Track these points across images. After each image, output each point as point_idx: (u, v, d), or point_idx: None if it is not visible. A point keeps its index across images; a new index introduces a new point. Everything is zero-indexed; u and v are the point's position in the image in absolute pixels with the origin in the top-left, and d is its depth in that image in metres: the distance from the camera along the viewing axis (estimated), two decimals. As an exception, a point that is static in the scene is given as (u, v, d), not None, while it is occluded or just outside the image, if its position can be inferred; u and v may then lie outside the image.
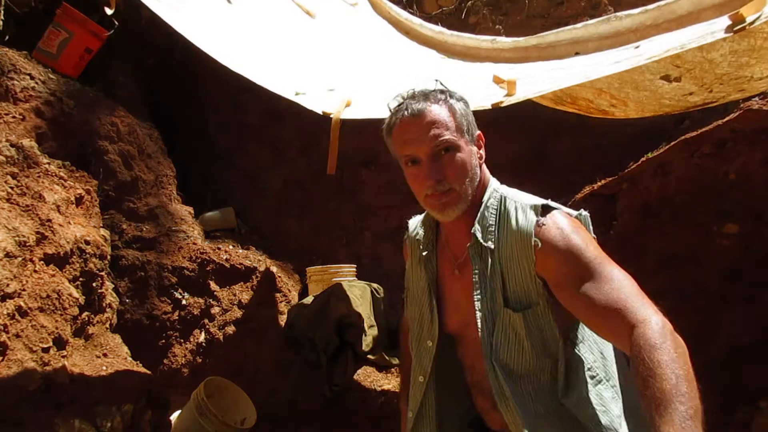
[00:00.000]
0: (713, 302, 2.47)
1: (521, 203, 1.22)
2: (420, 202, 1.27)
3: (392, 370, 3.49)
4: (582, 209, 1.25)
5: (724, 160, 2.52)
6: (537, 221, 1.17)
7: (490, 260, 1.22)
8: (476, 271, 1.23)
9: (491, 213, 1.23)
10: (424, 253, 1.36)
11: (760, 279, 2.39)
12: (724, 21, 1.18)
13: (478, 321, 1.21)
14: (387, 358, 3.53)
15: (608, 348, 1.29)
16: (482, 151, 1.28)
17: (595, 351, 1.26)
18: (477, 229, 1.23)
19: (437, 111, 1.21)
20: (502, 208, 1.23)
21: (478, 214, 1.23)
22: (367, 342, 3.49)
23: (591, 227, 1.26)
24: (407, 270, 1.49)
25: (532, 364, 1.20)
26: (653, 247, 2.65)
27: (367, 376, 3.36)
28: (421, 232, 1.41)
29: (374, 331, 3.56)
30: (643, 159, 2.93)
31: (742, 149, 2.47)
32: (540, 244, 1.15)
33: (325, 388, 3.24)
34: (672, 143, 2.84)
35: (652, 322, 0.99)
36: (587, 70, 1.57)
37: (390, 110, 1.27)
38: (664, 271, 2.61)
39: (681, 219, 2.59)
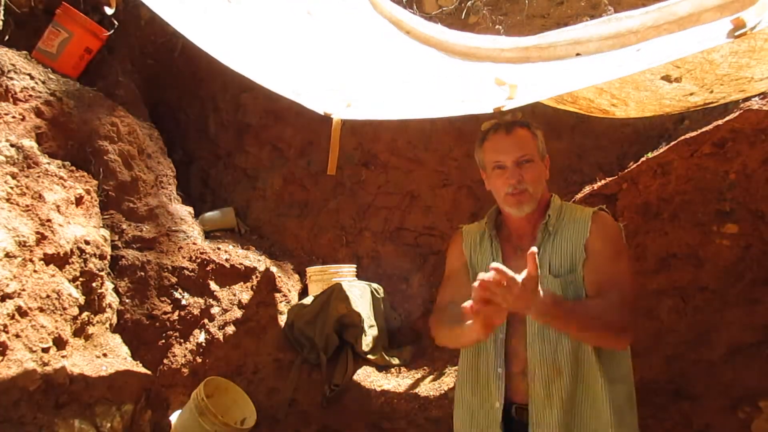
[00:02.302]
0: (713, 302, 2.47)
1: (579, 206, 1.67)
2: (499, 200, 1.66)
3: (392, 370, 3.49)
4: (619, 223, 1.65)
5: (724, 160, 2.52)
6: (595, 210, 1.59)
7: (547, 241, 1.58)
8: (537, 245, 1.53)
9: (556, 210, 1.63)
10: (490, 241, 1.71)
11: (760, 279, 2.39)
12: (726, 25, 1.18)
13: None
14: (387, 358, 3.53)
15: None
16: (547, 171, 1.66)
17: None
18: (548, 216, 1.60)
19: (524, 133, 1.62)
20: (563, 208, 1.65)
21: (549, 209, 1.62)
22: (366, 342, 3.50)
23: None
24: (454, 255, 1.85)
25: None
26: (653, 247, 2.65)
27: (367, 376, 3.36)
28: (480, 228, 1.77)
29: (374, 331, 3.57)
30: (643, 159, 2.93)
31: (742, 149, 2.47)
32: (593, 224, 1.55)
33: (325, 388, 3.24)
34: (672, 143, 2.85)
35: (626, 319, 1.43)
36: (589, 74, 1.57)
37: (482, 130, 1.69)
38: (664, 271, 2.62)
39: (681, 219, 2.59)
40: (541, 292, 1.32)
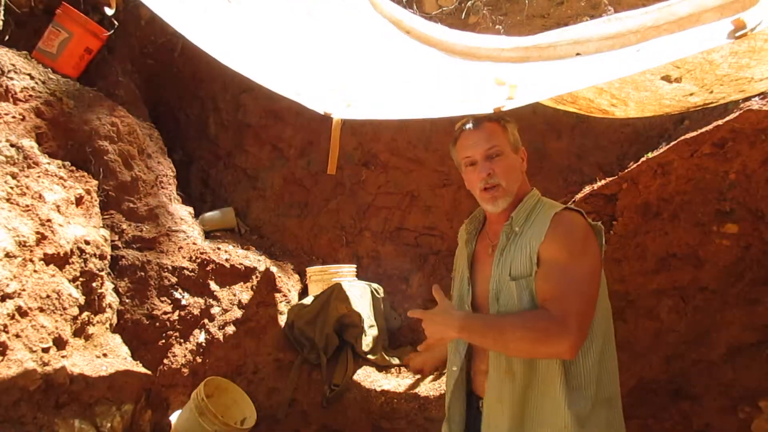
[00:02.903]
0: (713, 302, 2.47)
1: (552, 203, 1.57)
2: (476, 198, 1.63)
3: (392, 370, 3.50)
4: (599, 221, 1.54)
5: (724, 160, 2.52)
6: (558, 210, 1.50)
7: (513, 241, 1.54)
8: (499, 246, 1.56)
9: (526, 208, 1.57)
10: (466, 238, 1.73)
11: (760, 279, 2.39)
12: (727, 26, 1.18)
13: (491, 284, 1.54)
14: (387, 358, 3.53)
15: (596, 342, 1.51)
16: (524, 164, 1.64)
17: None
18: (513, 215, 1.56)
19: (492, 126, 1.60)
20: (538, 206, 1.57)
21: (517, 207, 1.57)
22: (366, 342, 3.50)
23: (603, 239, 1.53)
24: (456, 253, 1.84)
25: None
26: (653, 247, 2.65)
27: (367, 376, 3.36)
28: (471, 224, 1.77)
29: (374, 331, 3.57)
30: (643, 159, 2.93)
31: (742, 149, 2.47)
32: (550, 227, 1.47)
33: (325, 388, 3.24)
34: (672, 143, 2.84)
35: (561, 325, 1.35)
36: (589, 74, 1.57)
37: (455, 129, 1.67)
38: (664, 271, 2.62)
39: (681, 219, 2.59)
40: (456, 315, 1.46)
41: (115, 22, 3.62)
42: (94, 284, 2.81)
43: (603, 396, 1.47)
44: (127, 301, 3.12)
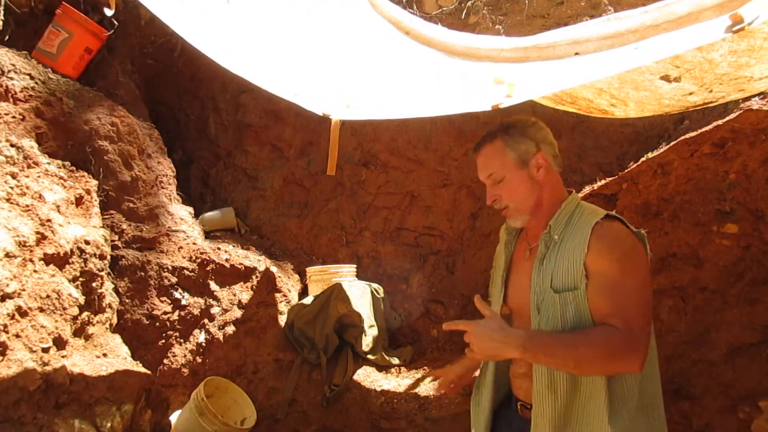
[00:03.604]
0: (713, 302, 2.47)
1: (593, 210, 1.49)
2: None
3: (392, 370, 3.50)
4: (641, 229, 1.45)
5: (724, 160, 2.52)
6: (598, 219, 1.42)
7: (552, 249, 1.48)
8: (539, 255, 1.50)
9: (565, 214, 1.50)
10: (507, 239, 1.69)
11: (760, 279, 2.39)
12: (724, 21, 1.18)
13: (531, 294, 1.49)
14: (387, 358, 3.53)
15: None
16: (541, 170, 1.53)
17: None
18: (551, 224, 1.50)
19: (489, 149, 1.56)
20: (577, 212, 1.50)
21: (556, 214, 1.51)
22: (366, 342, 3.50)
23: (647, 246, 1.46)
24: (497, 250, 1.78)
25: None
26: (653, 247, 2.64)
27: (367, 376, 3.36)
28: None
29: (374, 331, 3.57)
30: (643, 159, 2.93)
31: (742, 149, 2.47)
32: (592, 238, 1.40)
33: (325, 388, 3.24)
34: (672, 143, 2.85)
35: (632, 340, 1.32)
36: (587, 71, 1.57)
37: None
38: (664, 271, 2.61)
39: (681, 219, 2.59)
40: (514, 333, 1.35)
41: (115, 22, 3.62)
42: (94, 284, 2.81)
43: (644, 403, 1.44)
44: (127, 301, 3.12)
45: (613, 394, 1.40)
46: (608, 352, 1.33)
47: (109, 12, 2.40)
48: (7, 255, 2.33)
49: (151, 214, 3.40)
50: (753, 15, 1.15)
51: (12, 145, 2.69)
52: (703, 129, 2.68)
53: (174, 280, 3.28)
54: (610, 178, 3.04)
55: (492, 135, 1.56)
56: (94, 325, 2.81)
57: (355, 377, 3.33)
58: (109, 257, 3.04)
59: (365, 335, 3.51)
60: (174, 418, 2.91)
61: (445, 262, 3.93)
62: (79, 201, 2.93)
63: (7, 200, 2.50)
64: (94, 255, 2.85)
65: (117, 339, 2.94)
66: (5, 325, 2.21)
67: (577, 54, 1.72)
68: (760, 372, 2.30)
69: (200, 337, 3.27)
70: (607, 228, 1.41)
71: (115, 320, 3.02)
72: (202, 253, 3.42)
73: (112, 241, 3.13)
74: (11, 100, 2.88)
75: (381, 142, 4.13)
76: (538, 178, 1.53)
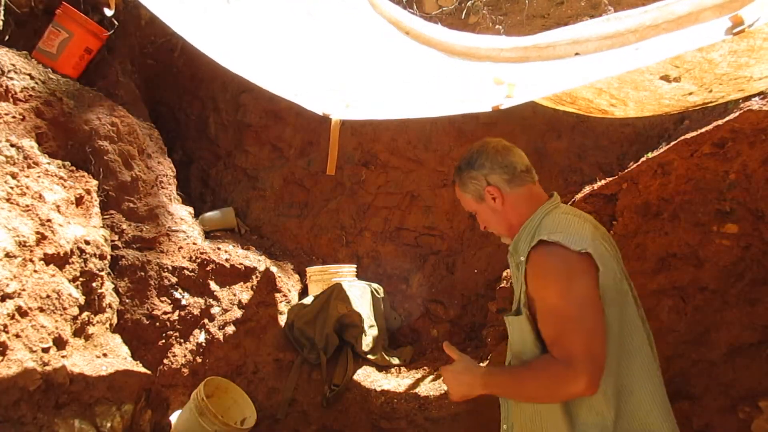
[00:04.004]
0: (713, 302, 2.47)
1: (538, 230, 1.49)
2: None
3: (392, 370, 3.50)
4: (587, 247, 1.40)
5: (724, 160, 2.51)
6: (534, 245, 1.44)
7: (519, 270, 1.52)
8: (512, 279, 1.60)
9: (527, 234, 1.53)
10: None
11: (760, 279, 2.39)
12: (725, 23, 1.18)
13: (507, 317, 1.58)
14: (387, 358, 3.53)
15: None
16: (497, 199, 1.60)
17: None
18: (511, 248, 1.59)
19: (457, 192, 1.74)
20: (537, 232, 1.49)
21: (517, 235, 1.58)
22: (366, 342, 3.50)
23: (598, 261, 1.41)
24: None
25: (515, 363, 1.55)
26: (653, 247, 2.65)
27: (367, 376, 3.36)
28: None
29: (374, 331, 3.57)
30: (643, 159, 2.93)
31: (742, 149, 2.47)
32: (528, 266, 1.45)
33: (325, 388, 3.24)
34: (672, 143, 2.84)
35: (569, 367, 1.32)
36: (588, 72, 1.57)
37: None
38: (664, 271, 2.61)
39: (681, 219, 2.59)
40: (477, 372, 1.48)
41: (115, 22, 3.63)
42: (94, 284, 2.81)
43: (633, 426, 1.41)
44: (127, 301, 3.12)
45: (571, 411, 1.42)
46: (550, 383, 1.36)
47: (109, 12, 2.40)
48: (7, 255, 2.33)
49: (151, 214, 3.40)
50: (754, 17, 1.15)
51: (12, 145, 2.69)
52: (703, 129, 2.68)
53: (174, 280, 3.28)
54: (610, 178, 3.03)
55: (453, 180, 1.73)
56: (94, 325, 2.81)
57: (355, 377, 3.33)
58: (109, 257, 3.04)
59: (365, 335, 3.51)
60: (174, 418, 2.91)
61: (445, 262, 3.93)
62: (79, 201, 2.93)
63: (7, 200, 2.50)
64: (94, 255, 2.85)
65: (117, 339, 2.94)
66: (5, 325, 2.21)
67: (577, 54, 1.72)
68: (760, 372, 2.29)
69: (200, 337, 3.27)
70: (539, 253, 1.42)
71: (115, 320, 3.02)
72: (202, 253, 3.42)
73: (112, 241, 3.13)
74: (11, 100, 2.88)
75: (381, 142, 4.13)
76: (497, 207, 1.60)
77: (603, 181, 3.07)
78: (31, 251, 2.45)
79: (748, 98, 2.56)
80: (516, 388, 1.46)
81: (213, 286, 3.40)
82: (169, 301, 3.25)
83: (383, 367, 3.49)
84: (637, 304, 1.51)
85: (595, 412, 1.39)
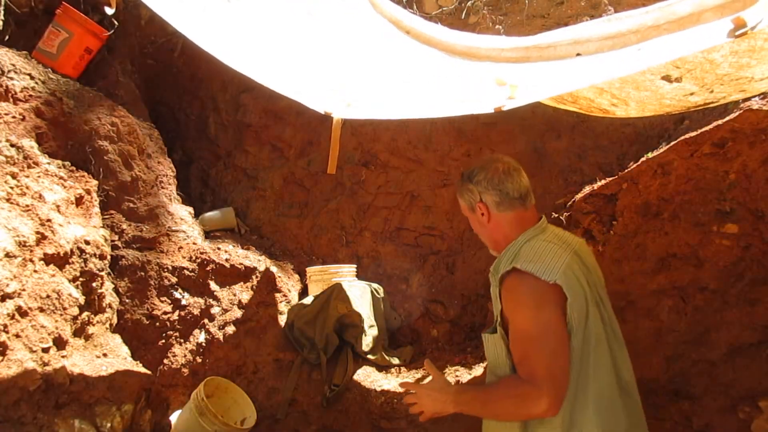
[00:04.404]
0: (713, 302, 2.47)
1: (517, 256, 1.60)
2: None
3: (392, 370, 3.49)
4: (557, 278, 1.52)
5: (724, 160, 2.52)
6: (504, 272, 1.58)
7: (497, 290, 1.63)
8: (492, 295, 1.68)
9: (509, 257, 1.63)
10: None
11: (760, 279, 2.39)
12: (727, 24, 1.18)
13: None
14: (387, 358, 3.53)
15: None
16: (484, 215, 1.72)
17: None
18: (492, 268, 1.68)
19: (457, 194, 1.86)
20: (516, 257, 1.60)
21: (500, 256, 1.69)
22: (367, 342, 3.50)
23: (569, 287, 1.52)
24: None
25: (490, 379, 1.68)
26: (653, 247, 2.65)
27: (367, 376, 3.36)
28: None
29: (374, 331, 3.57)
30: (643, 159, 2.93)
31: (742, 149, 2.47)
32: (502, 290, 1.59)
33: (325, 388, 3.24)
34: (672, 143, 2.85)
35: (532, 387, 1.43)
36: (590, 74, 1.57)
37: None
38: (664, 271, 2.61)
39: (681, 219, 2.59)
40: (450, 391, 1.59)
41: (115, 22, 3.63)
42: (94, 284, 2.81)
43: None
44: (127, 301, 3.12)
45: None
46: (515, 402, 1.48)
47: (109, 11, 2.40)
48: (7, 255, 2.33)
49: (151, 214, 3.40)
50: (756, 19, 1.15)
51: (12, 145, 2.69)
52: (703, 129, 2.68)
53: (174, 280, 3.28)
54: (610, 178, 3.03)
55: (457, 184, 1.83)
56: (94, 325, 2.81)
57: (355, 377, 3.33)
58: (109, 257, 3.03)
59: (365, 335, 3.51)
60: (174, 418, 2.91)
61: (445, 262, 3.93)
62: (79, 201, 2.93)
63: (7, 200, 2.50)
64: (94, 255, 2.85)
65: (117, 339, 2.94)
66: (5, 325, 2.21)
67: (578, 54, 1.72)
68: (760, 372, 2.30)
69: (200, 337, 3.27)
70: (513, 280, 1.56)
71: (115, 320, 3.02)
72: (202, 253, 3.42)
73: (112, 241, 3.13)
74: (11, 100, 2.88)
75: (381, 142, 4.13)
76: (484, 222, 1.73)
77: (603, 181, 3.08)
78: (31, 251, 2.45)
79: (748, 98, 2.57)
80: (483, 406, 1.57)
81: (213, 286, 3.40)
82: (169, 301, 3.25)
83: (383, 367, 3.49)
84: (605, 321, 1.61)
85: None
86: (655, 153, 2.91)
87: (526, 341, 1.49)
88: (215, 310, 3.34)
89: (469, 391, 1.67)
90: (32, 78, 3.06)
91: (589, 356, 1.52)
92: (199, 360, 3.23)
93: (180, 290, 3.29)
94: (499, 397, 1.51)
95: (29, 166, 2.72)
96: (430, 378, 1.66)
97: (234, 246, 3.75)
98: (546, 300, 1.49)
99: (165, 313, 3.21)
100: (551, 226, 1.75)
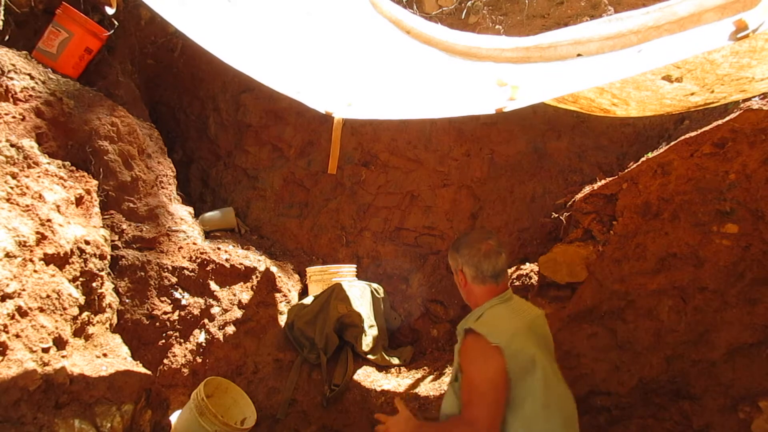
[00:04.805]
0: (713, 302, 2.48)
1: (478, 320, 1.91)
2: None
3: (392, 369, 3.50)
4: (500, 342, 1.82)
5: (724, 160, 2.52)
6: (468, 328, 1.89)
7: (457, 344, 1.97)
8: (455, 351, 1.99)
9: (471, 319, 1.93)
10: None
11: (760, 279, 2.39)
12: (728, 27, 1.17)
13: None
14: (387, 358, 3.53)
15: None
16: (465, 286, 2.04)
17: None
18: (458, 328, 1.97)
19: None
20: (475, 320, 1.92)
21: (464, 318, 1.99)
22: (367, 342, 3.50)
23: (509, 350, 1.83)
24: None
25: (441, 418, 1.99)
26: (653, 247, 2.65)
27: (367, 376, 3.36)
28: None
29: (374, 331, 3.57)
30: (643, 159, 2.93)
31: (742, 149, 2.47)
32: (461, 346, 1.90)
33: (325, 388, 3.24)
34: (672, 143, 2.85)
35: (471, 429, 1.76)
36: (591, 75, 1.57)
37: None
38: (664, 271, 2.62)
39: (681, 219, 2.59)
40: (411, 424, 1.92)
41: (115, 22, 3.62)
42: (94, 284, 2.81)
43: None
44: (127, 301, 3.12)
45: None
46: None
47: (110, 10, 2.40)
48: (7, 255, 2.33)
49: (151, 214, 3.40)
50: (758, 21, 1.14)
51: (12, 145, 2.68)
52: (703, 129, 2.68)
53: (174, 280, 3.28)
54: (610, 178, 3.04)
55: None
56: (94, 325, 2.80)
57: (355, 377, 3.33)
58: (109, 257, 3.03)
59: (365, 335, 3.51)
60: (174, 418, 2.91)
61: (445, 262, 3.93)
62: (79, 201, 2.93)
63: (7, 200, 2.50)
64: (94, 255, 2.85)
65: (117, 339, 2.94)
66: (5, 325, 2.21)
67: (579, 55, 1.71)
68: (760, 372, 2.30)
69: (200, 337, 3.27)
70: (468, 339, 1.88)
71: (115, 320, 3.02)
72: (202, 253, 3.42)
73: (112, 241, 3.13)
74: (11, 100, 2.87)
75: (381, 142, 4.13)
76: (462, 285, 2.05)
77: (603, 181, 3.08)
78: (31, 251, 2.45)
79: (748, 98, 2.57)
80: None
81: (213, 286, 3.40)
82: (169, 301, 3.25)
83: (383, 367, 3.49)
84: (548, 377, 1.88)
85: None
86: (655, 153, 2.91)
87: (472, 391, 1.80)
88: (215, 310, 3.34)
89: (426, 425, 2.04)
90: (32, 78, 3.06)
91: (525, 400, 1.85)
92: (199, 360, 3.23)
93: (180, 290, 3.29)
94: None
95: (29, 166, 2.72)
96: (401, 413, 2.01)
97: (234, 246, 3.75)
98: (491, 358, 1.82)
99: (165, 313, 3.21)
100: (516, 297, 2.07)
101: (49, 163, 2.85)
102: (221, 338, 3.30)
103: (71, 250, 2.67)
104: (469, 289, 2.03)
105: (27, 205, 2.56)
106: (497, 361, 1.81)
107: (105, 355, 2.75)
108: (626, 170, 2.99)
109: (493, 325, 1.89)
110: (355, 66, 2.35)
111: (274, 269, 3.72)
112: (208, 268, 3.40)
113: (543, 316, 2.08)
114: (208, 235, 3.89)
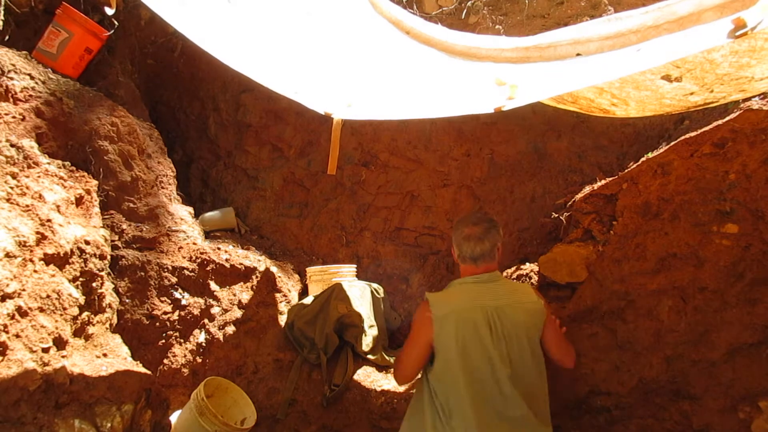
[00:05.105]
0: (713, 302, 2.47)
1: (444, 290, 2.37)
2: None
3: (392, 370, 3.49)
4: (438, 312, 2.21)
5: (724, 160, 2.52)
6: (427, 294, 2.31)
7: None
8: None
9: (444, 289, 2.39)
10: None
11: (760, 279, 2.39)
12: (727, 25, 1.17)
13: None
14: (387, 358, 3.53)
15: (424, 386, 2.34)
16: (454, 257, 2.43)
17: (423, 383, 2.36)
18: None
19: None
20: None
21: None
22: (367, 342, 3.50)
23: (440, 322, 2.18)
24: None
25: None
26: (653, 247, 2.65)
27: (367, 376, 3.36)
28: None
29: (374, 331, 3.57)
30: (643, 159, 2.93)
31: (742, 149, 2.47)
32: None
33: (325, 388, 3.24)
34: (672, 143, 2.84)
35: (395, 368, 2.44)
36: (590, 74, 1.57)
37: None
38: (664, 271, 2.61)
39: (681, 219, 2.59)
40: None
41: (115, 22, 3.62)
42: (94, 284, 2.81)
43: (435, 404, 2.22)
44: (127, 301, 3.12)
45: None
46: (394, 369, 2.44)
47: (110, 11, 2.40)
48: (7, 255, 2.33)
49: (151, 214, 3.40)
50: (756, 19, 1.15)
51: (12, 145, 2.68)
52: (703, 129, 2.68)
53: (174, 280, 3.28)
54: (610, 178, 3.03)
55: None
56: (94, 325, 2.80)
57: (355, 377, 3.33)
58: (109, 257, 3.03)
59: (365, 335, 3.51)
60: (174, 418, 2.91)
61: (445, 262, 3.93)
62: (79, 201, 2.93)
63: (7, 200, 2.50)
64: (94, 255, 2.85)
65: (117, 339, 2.94)
66: (5, 325, 2.21)
67: (578, 55, 1.72)
68: (760, 372, 2.30)
69: (200, 337, 3.27)
70: (423, 301, 2.28)
71: (115, 320, 3.02)
72: (202, 253, 3.42)
73: (112, 241, 3.13)
74: (11, 100, 2.87)
75: (381, 142, 4.13)
76: (455, 260, 2.41)
77: (603, 181, 3.07)
78: (31, 251, 2.45)
79: (748, 98, 2.57)
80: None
81: (213, 286, 3.40)
82: (169, 301, 3.25)
83: (383, 367, 3.49)
84: (501, 359, 2.11)
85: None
86: (655, 153, 2.91)
87: (406, 341, 2.29)
88: (215, 310, 3.34)
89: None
90: (32, 78, 3.06)
91: (461, 373, 2.12)
92: (199, 360, 3.23)
93: (180, 290, 3.29)
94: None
95: (29, 166, 2.72)
96: None
97: (234, 246, 3.75)
98: (424, 322, 2.19)
99: (165, 313, 3.21)
100: (504, 281, 2.31)
101: (49, 163, 2.85)
102: (221, 338, 3.30)
103: (71, 250, 2.67)
104: (456, 264, 2.40)
105: (27, 205, 2.56)
106: (426, 328, 2.18)
107: (105, 355, 2.75)
108: (626, 170, 2.99)
109: (442, 299, 2.22)
110: (354, 66, 2.35)
111: (274, 269, 3.72)
112: (208, 268, 3.40)
113: (526, 305, 2.24)
114: (208, 235, 3.89)
